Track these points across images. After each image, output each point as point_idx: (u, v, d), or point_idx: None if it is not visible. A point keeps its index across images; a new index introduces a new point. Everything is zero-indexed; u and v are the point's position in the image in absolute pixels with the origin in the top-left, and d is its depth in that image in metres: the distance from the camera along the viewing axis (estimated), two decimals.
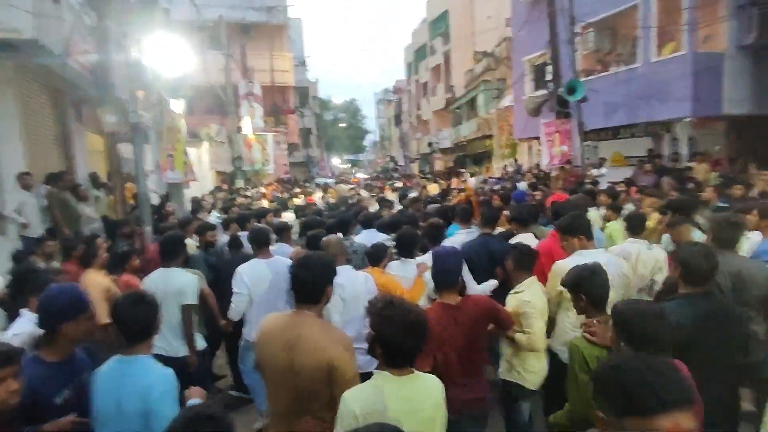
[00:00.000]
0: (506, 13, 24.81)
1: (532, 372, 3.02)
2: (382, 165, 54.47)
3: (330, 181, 24.64)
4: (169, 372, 2.10)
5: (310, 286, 2.12)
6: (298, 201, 11.18)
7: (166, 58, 6.39)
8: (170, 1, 17.39)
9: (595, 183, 8.08)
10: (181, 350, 3.47)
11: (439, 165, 31.70)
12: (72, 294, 2.13)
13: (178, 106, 7.64)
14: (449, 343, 2.44)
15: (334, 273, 2.25)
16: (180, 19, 18.22)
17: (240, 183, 14.34)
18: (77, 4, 6.32)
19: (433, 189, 12.93)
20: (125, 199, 7.04)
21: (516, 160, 17.15)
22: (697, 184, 8.09)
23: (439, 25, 31.24)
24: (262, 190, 12.79)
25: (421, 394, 1.82)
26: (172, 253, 3.63)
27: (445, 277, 2.60)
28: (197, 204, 7.31)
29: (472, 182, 15.32)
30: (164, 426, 1.60)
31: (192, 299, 3.52)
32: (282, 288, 3.52)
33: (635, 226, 3.96)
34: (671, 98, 10.91)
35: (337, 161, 60.68)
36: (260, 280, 3.68)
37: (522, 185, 10.18)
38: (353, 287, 3.26)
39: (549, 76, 11.34)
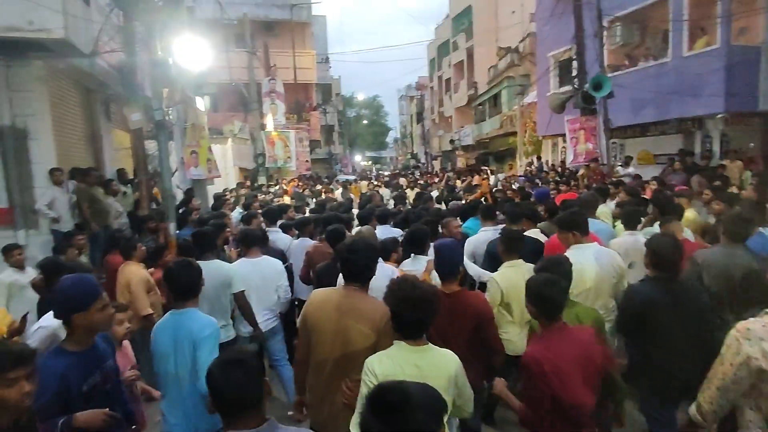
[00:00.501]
0: (530, 8, 24.38)
1: (506, 338, 3.15)
2: (403, 162, 54.43)
3: (351, 177, 24.74)
4: (213, 320, 2.62)
5: (357, 266, 2.46)
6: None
7: (191, 56, 6.50)
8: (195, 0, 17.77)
9: (620, 183, 7.84)
10: (231, 333, 3.76)
11: (461, 162, 31.45)
12: (81, 285, 2.15)
13: (201, 103, 7.75)
14: (437, 327, 2.53)
15: (377, 255, 2.64)
16: (204, 17, 18.61)
17: (262, 179, 14.51)
18: (106, 5, 6.49)
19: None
20: (151, 195, 7.20)
21: (540, 158, 16.85)
22: (724, 181, 7.75)
23: (462, 20, 30.94)
24: (284, 186, 12.91)
25: (431, 364, 2.03)
26: (208, 245, 3.82)
27: (446, 268, 2.83)
28: (219, 200, 7.44)
29: (491, 180, 15.16)
30: (206, 357, 2.31)
31: (241, 286, 3.67)
32: (270, 286, 3.96)
33: (630, 221, 4.22)
34: (704, 93, 10.53)
35: (359, 158, 60.83)
36: (247, 279, 3.82)
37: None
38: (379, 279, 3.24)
39: (574, 72, 11.10)
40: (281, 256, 4.56)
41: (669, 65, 11.47)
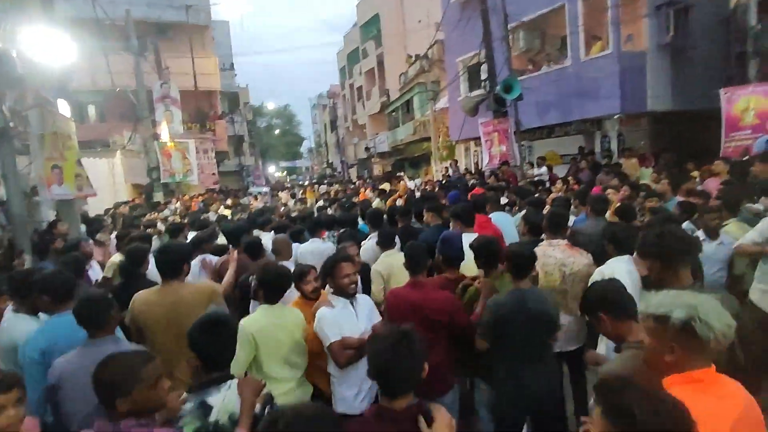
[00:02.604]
0: (437, 16, 25.01)
1: None
2: (319, 171, 53.46)
3: (264, 189, 23.43)
4: None
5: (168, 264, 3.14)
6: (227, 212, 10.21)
7: (48, 52, 5.32)
8: None
9: (541, 183, 7.89)
10: None
11: (377, 169, 31.33)
12: None
13: (67, 108, 6.46)
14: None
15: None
16: (84, 16, 16.50)
17: (159, 196, 12.95)
18: None
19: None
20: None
21: (456, 162, 17.03)
22: (624, 177, 8.18)
23: (370, 28, 30.96)
24: (176, 204, 11.52)
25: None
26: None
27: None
28: (94, 223, 6.16)
29: (410, 185, 14.99)
30: None
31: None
32: None
33: (553, 225, 4.05)
34: (601, 96, 11.12)
35: (273, 169, 58.70)
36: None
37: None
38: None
39: (484, 76, 11.21)
40: None
41: (569, 70, 12.00)
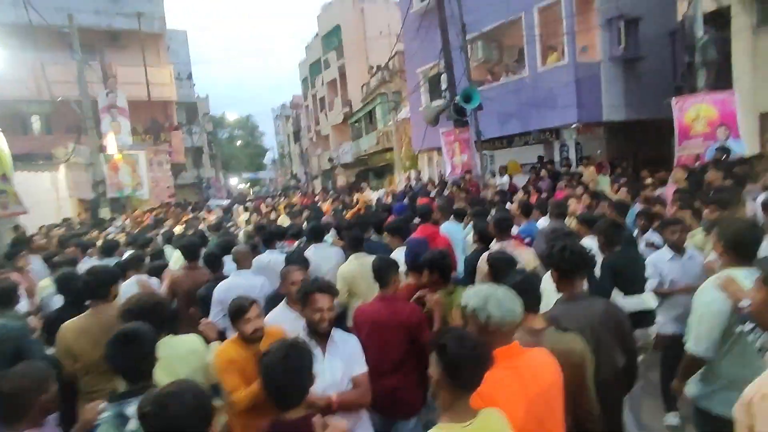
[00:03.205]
0: (396, 27, 25.19)
1: None
2: (283, 183, 52.60)
3: (225, 202, 22.67)
4: None
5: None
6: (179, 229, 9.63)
7: None
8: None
9: (504, 192, 7.84)
10: None
11: (341, 180, 31.02)
12: None
13: None
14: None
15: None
16: (23, 22, 15.58)
17: (105, 212, 12.18)
18: None
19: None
20: None
21: (419, 172, 16.96)
22: (582, 184, 8.36)
23: (331, 39, 30.83)
24: (123, 221, 10.83)
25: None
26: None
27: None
28: (17, 245, 5.53)
29: (373, 195, 14.74)
30: None
31: None
32: None
33: (502, 229, 4.18)
34: (559, 106, 11.29)
35: (236, 181, 57.34)
36: None
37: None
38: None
39: (444, 86, 11.17)
40: None
41: (527, 80, 12.16)
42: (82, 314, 3.03)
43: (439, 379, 1.59)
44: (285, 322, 2.92)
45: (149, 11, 20.71)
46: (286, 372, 1.79)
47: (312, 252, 4.74)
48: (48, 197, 12.00)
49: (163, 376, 2.22)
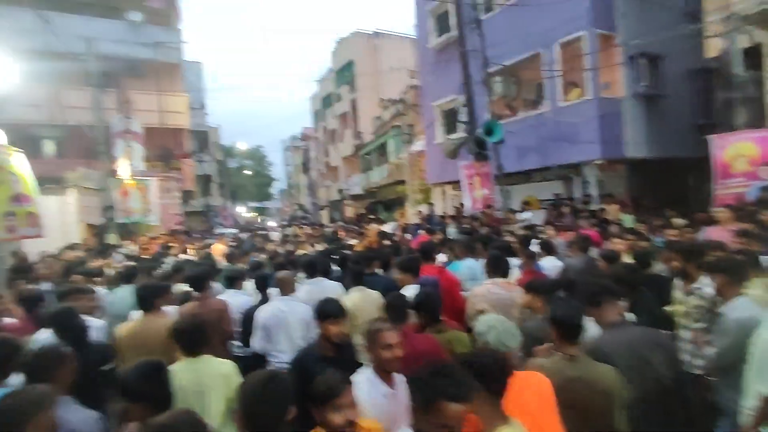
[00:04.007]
0: (409, 63, 25.61)
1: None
2: (290, 213, 52.55)
3: (231, 231, 22.35)
4: None
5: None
6: (190, 254, 9.29)
7: None
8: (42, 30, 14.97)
9: (531, 227, 7.48)
10: None
11: (350, 212, 30.79)
12: None
13: (1, 136, 5.60)
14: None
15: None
16: (43, 48, 15.77)
17: (113, 238, 11.85)
18: None
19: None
20: None
21: (432, 205, 16.64)
22: (606, 222, 8.06)
23: (345, 74, 31.35)
24: (130, 247, 10.48)
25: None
26: None
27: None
28: (20, 271, 5.16)
29: (387, 228, 14.37)
30: None
31: None
32: None
33: (495, 268, 4.16)
34: (581, 141, 11.03)
35: (243, 209, 57.42)
36: None
37: (451, 230, 9.34)
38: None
39: (462, 120, 11.00)
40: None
41: (547, 115, 11.97)
42: (136, 320, 3.64)
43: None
44: (376, 396, 2.39)
45: (167, 41, 21.05)
46: (263, 400, 1.80)
47: (309, 288, 4.54)
48: (55, 222, 11.70)
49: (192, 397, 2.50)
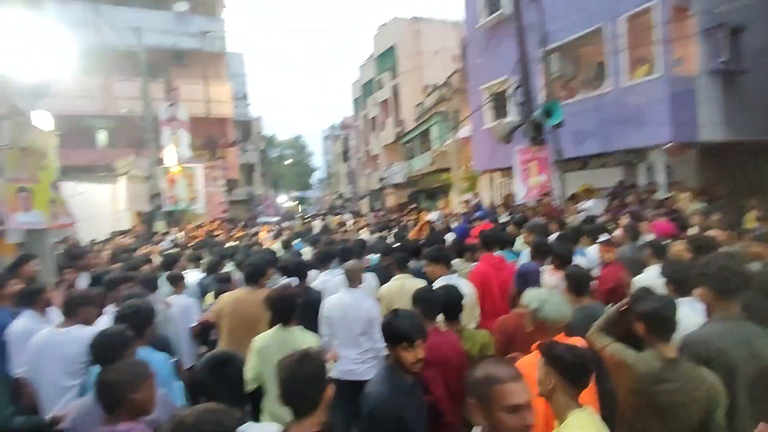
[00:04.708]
0: (452, 46, 24.75)
1: None
2: (330, 202, 52.84)
3: (273, 219, 22.48)
4: None
5: None
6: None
7: (17, 56, 4.43)
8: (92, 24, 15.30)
9: (592, 219, 6.81)
10: None
11: (391, 200, 30.43)
12: None
13: (46, 120, 5.51)
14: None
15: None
16: (95, 42, 16.12)
17: (161, 225, 11.96)
18: None
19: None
20: None
21: (477, 194, 15.98)
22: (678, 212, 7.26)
23: (386, 60, 30.77)
24: (176, 234, 10.49)
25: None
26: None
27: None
28: (75, 255, 5.07)
29: (431, 217, 13.90)
30: None
31: None
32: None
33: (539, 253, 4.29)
34: (648, 123, 10.10)
35: (283, 198, 58.36)
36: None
37: (502, 220, 8.76)
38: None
39: (511, 103, 10.29)
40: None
41: (609, 96, 11.05)
42: (240, 288, 4.10)
43: (555, 384, 1.86)
44: None
45: (212, 30, 21.20)
46: (299, 378, 1.84)
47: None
48: (106, 209, 11.96)
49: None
